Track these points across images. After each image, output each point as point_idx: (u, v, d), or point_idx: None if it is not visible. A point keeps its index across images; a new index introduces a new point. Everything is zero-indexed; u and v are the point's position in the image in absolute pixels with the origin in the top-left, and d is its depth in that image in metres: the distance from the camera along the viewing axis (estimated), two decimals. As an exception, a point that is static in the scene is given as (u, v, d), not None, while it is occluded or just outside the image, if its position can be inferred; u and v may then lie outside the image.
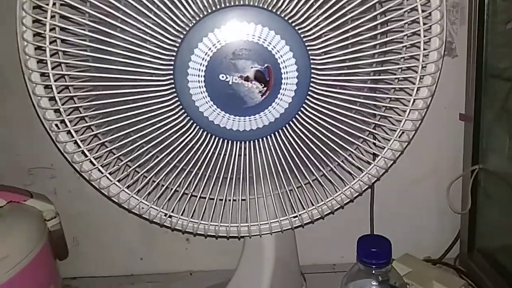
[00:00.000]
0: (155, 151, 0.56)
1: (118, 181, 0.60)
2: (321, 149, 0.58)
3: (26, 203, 0.74)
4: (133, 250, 0.93)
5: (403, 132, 0.59)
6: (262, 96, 0.52)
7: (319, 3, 0.50)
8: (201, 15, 0.49)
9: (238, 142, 0.56)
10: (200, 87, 0.52)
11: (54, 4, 0.51)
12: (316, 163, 0.60)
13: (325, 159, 0.59)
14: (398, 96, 0.58)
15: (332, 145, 0.58)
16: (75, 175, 0.84)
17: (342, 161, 0.61)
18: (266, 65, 0.51)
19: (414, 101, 0.56)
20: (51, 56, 0.52)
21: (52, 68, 0.53)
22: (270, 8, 0.50)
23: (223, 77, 0.51)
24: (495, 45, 0.77)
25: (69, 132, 0.57)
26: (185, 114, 0.53)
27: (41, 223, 0.74)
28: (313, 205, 0.63)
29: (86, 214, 0.89)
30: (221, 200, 0.62)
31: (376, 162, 0.60)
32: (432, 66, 0.55)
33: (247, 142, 0.56)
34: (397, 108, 0.59)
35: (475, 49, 0.80)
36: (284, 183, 0.61)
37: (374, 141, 0.60)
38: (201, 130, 0.55)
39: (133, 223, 0.88)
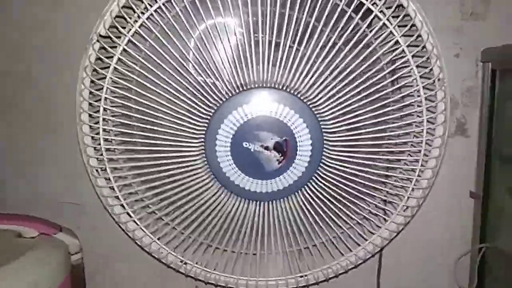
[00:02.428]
0: (180, 202, 0.63)
1: (144, 226, 0.66)
2: (328, 216, 0.63)
3: (55, 236, 0.81)
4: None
5: (407, 207, 0.64)
6: (278, 164, 0.59)
7: (335, 90, 0.57)
8: (233, 92, 0.58)
9: (254, 202, 0.62)
10: (226, 151, 0.59)
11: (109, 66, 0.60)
12: (324, 228, 0.65)
13: (332, 225, 0.64)
14: (404, 175, 0.63)
15: (339, 213, 0.63)
16: (99, 214, 0.89)
17: (348, 229, 0.66)
18: (284, 138, 0.58)
19: (417, 181, 0.61)
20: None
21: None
22: (291, 91, 0.58)
23: (246, 144, 0.58)
24: (505, 130, 0.82)
25: (106, 178, 0.64)
26: (210, 173, 0.61)
27: (66, 256, 0.80)
28: (319, 267, 0.67)
29: (105, 252, 0.94)
30: (234, 252, 0.67)
31: (380, 233, 0.65)
32: (436, 150, 0.61)
33: (262, 203, 0.62)
34: (404, 186, 0.64)
35: (485, 132, 0.84)
36: (293, 243, 0.66)
37: (381, 215, 0.65)
38: (223, 188, 0.62)
39: (147, 266, 0.92)
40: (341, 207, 0.62)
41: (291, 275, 0.68)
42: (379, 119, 0.58)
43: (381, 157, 0.61)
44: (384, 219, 0.65)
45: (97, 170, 0.64)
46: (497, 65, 0.81)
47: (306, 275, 0.68)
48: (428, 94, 0.58)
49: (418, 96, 0.59)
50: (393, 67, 0.58)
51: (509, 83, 0.80)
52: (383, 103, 0.59)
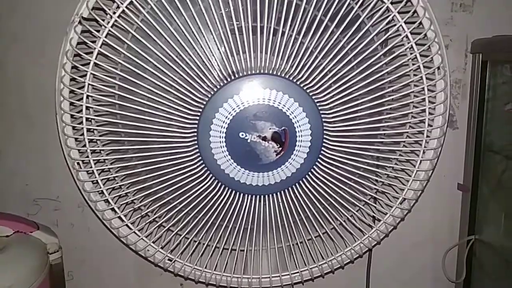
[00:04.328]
0: (169, 197, 0.59)
1: (130, 223, 0.62)
2: (325, 208, 0.61)
3: (32, 235, 0.76)
4: (126, 290, 0.93)
5: (404, 200, 0.63)
6: (276, 155, 0.56)
7: (335, 76, 0.54)
8: (228, 79, 0.54)
9: (250, 195, 0.59)
10: (220, 142, 0.56)
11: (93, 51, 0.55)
12: (320, 220, 0.62)
13: (328, 217, 0.62)
14: (402, 166, 0.62)
15: (336, 205, 0.61)
16: (78, 209, 0.86)
17: (344, 221, 0.64)
18: (283, 127, 0.55)
19: (416, 172, 0.60)
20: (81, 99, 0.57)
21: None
22: (288, 77, 0.55)
23: (242, 135, 0.55)
24: (494, 122, 0.82)
25: (88, 172, 0.60)
26: (204, 166, 0.57)
27: (44, 256, 0.75)
28: (314, 262, 0.65)
29: (83, 249, 0.90)
30: (227, 249, 0.64)
31: (378, 227, 0.63)
32: (435, 141, 0.59)
33: (258, 196, 0.59)
34: (402, 177, 0.62)
35: (474, 124, 0.84)
36: (288, 237, 0.63)
37: (374, 205, 0.63)
38: (217, 181, 0.58)
39: (129, 263, 0.89)
40: (339, 199, 0.60)
41: (285, 271, 0.66)
42: (377, 109, 0.56)
43: (384, 147, 0.59)
44: (377, 209, 0.63)
45: (78, 163, 0.59)
46: (487, 56, 0.81)
47: (301, 271, 0.66)
48: (429, 83, 0.56)
49: (416, 86, 0.57)
50: (392, 56, 0.56)
51: (499, 74, 0.80)
52: (381, 93, 0.57)
